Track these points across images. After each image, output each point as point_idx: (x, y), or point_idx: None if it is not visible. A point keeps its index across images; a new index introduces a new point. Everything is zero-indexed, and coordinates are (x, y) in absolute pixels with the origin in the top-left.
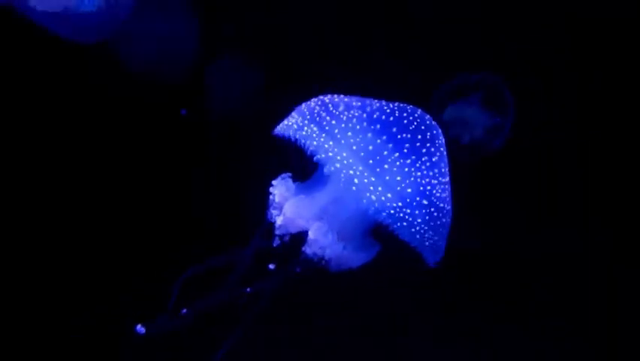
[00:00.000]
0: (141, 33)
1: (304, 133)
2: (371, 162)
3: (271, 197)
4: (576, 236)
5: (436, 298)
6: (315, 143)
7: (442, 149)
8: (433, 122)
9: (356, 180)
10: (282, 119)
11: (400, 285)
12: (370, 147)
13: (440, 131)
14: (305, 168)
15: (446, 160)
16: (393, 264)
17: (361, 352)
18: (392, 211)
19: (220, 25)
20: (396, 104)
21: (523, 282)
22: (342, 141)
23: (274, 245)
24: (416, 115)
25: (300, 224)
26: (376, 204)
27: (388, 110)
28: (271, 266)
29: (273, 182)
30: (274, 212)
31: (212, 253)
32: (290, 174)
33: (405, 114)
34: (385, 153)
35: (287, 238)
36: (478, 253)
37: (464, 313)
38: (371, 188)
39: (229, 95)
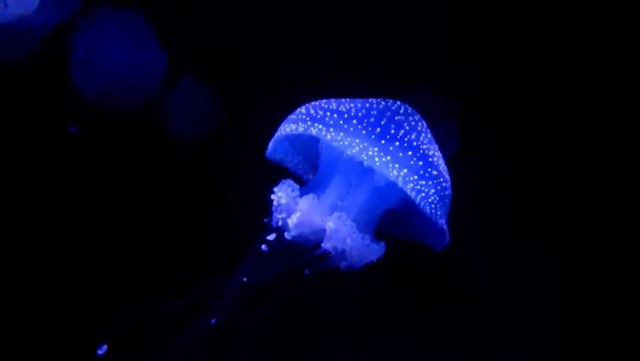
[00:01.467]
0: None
1: (313, 132)
2: (383, 142)
3: (275, 202)
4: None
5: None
6: (327, 137)
7: (428, 128)
8: (410, 108)
9: (376, 159)
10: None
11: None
12: (378, 130)
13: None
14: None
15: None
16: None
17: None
18: (412, 185)
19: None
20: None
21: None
22: (351, 129)
23: (280, 248)
24: (397, 103)
25: (315, 220)
26: (399, 181)
27: (374, 103)
28: (279, 268)
29: (275, 188)
30: (280, 215)
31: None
32: (290, 179)
33: (389, 103)
34: (392, 131)
35: (301, 239)
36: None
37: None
38: (390, 167)
39: (204, 112)
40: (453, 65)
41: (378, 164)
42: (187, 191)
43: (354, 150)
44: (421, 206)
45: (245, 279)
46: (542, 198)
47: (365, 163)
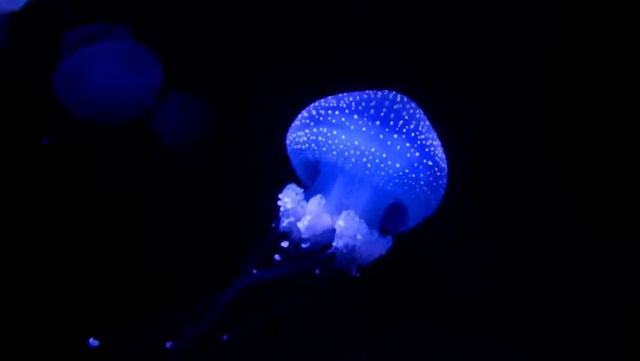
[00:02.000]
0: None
1: (318, 140)
2: (381, 136)
3: (282, 207)
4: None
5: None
6: (329, 142)
7: (425, 116)
8: (407, 97)
9: (369, 165)
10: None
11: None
12: (377, 122)
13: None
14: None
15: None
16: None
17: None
18: (398, 180)
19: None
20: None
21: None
22: (352, 127)
23: (290, 252)
24: (393, 93)
25: (325, 221)
26: (385, 178)
27: (372, 94)
28: (283, 270)
29: (280, 194)
30: (288, 219)
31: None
32: (294, 183)
33: (385, 93)
34: (392, 123)
35: (312, 241)
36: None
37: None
38: (382, 165)
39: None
40: (453, 65)
41: (368, 172)
42: (187, 192)
43: (350, 163)
44: (403, 198)
45: (247, 279)
46: (542, 198)
47: (359, 174)
